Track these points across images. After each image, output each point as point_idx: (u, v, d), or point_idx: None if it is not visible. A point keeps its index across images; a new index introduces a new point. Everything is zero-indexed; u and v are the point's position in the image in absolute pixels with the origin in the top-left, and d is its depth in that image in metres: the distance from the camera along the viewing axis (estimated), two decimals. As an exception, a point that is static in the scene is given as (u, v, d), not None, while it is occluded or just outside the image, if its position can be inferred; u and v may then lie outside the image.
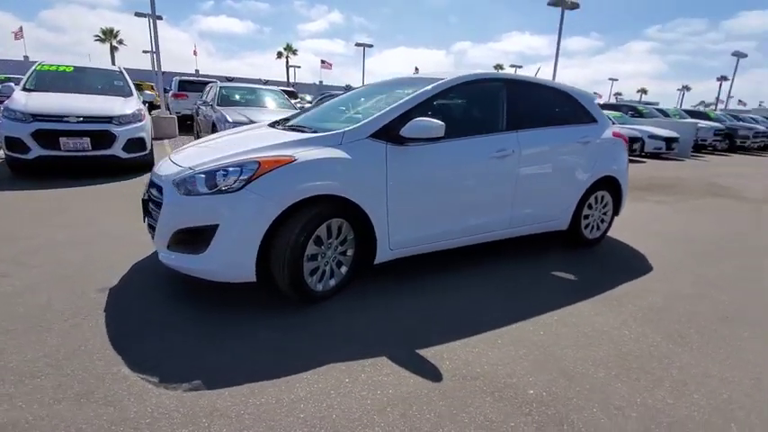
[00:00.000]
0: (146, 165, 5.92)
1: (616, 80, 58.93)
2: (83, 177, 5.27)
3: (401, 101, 2.61)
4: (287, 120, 3.48)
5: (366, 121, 2.49)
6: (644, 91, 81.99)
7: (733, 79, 29.58)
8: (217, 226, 2.12)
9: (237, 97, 7.59)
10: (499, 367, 1.96)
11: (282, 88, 11.80)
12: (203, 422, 1.54)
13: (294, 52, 49.14)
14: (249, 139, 2.73)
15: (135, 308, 2.31)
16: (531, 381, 1.87)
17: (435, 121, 2.40)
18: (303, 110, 3.74)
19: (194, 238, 2.18)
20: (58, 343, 1.95)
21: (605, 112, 4.65)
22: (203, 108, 7.90)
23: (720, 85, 52.82)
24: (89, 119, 5.03)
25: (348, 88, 31.86)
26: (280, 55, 49.29)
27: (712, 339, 2.31)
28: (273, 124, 3.38)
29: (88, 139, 5.02)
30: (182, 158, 2.52)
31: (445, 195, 2.74)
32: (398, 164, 2.50)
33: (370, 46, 31.01)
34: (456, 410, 1.67)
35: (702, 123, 14.82)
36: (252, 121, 6.24)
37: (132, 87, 6.21)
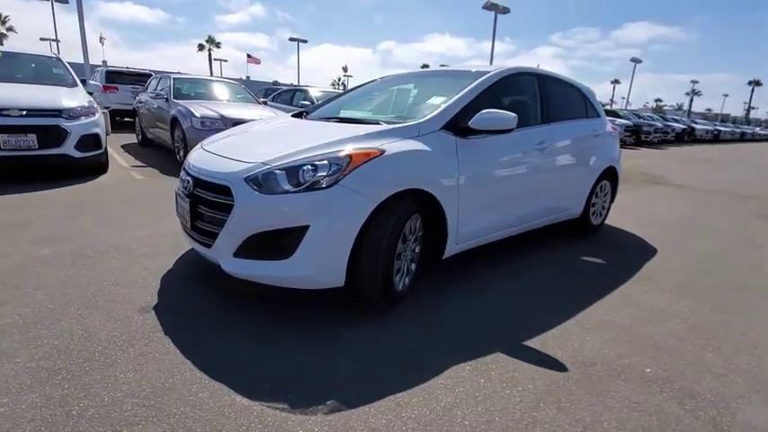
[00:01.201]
0: (99, 165, 5.16)
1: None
2: (22, 182, 4.41)
3: (461, 93, 2.56)
4: (306, 113, 3.26)
5: (437, 112, 2.41)
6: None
7: (632, 82, 33.97)
8: (307, 227, 1.90)
9: (194, 90, 6.90)
10: (605, 351, 2.02)
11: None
12: (370, 445, 1.37)
13: (217, 45, 45.98)
14: (303, 131, 2.50)
15: (200, 327, 1.99)
16: (640, 360, 1.96)
17: (507, 112, 2.40)
18: (321, 102, 3.49)
19: (276, 242, 1.93)
20: (135, 378, 1.61)
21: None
22: (151, 102, 7.07)
23: (614, 87, 60.15)
24: (35, 112, 4.21)
25: (276, 84, 30.60)
26: (201, 47, 45.76)
27: (746, 307, 2.61)
28: (298, 116, 3.14)
29: (34, 135, 4.20)
30: (238, 152, 2.20)
31: (502, 187, 2.75)
32: (466, 156, 2.45)
33: (305, 41, 30.12)
34: (601, 396, 1.68)
35: (617, 121, 16.73)
36: (222, 116, 5.74)
37: (75, 77, 5.33)
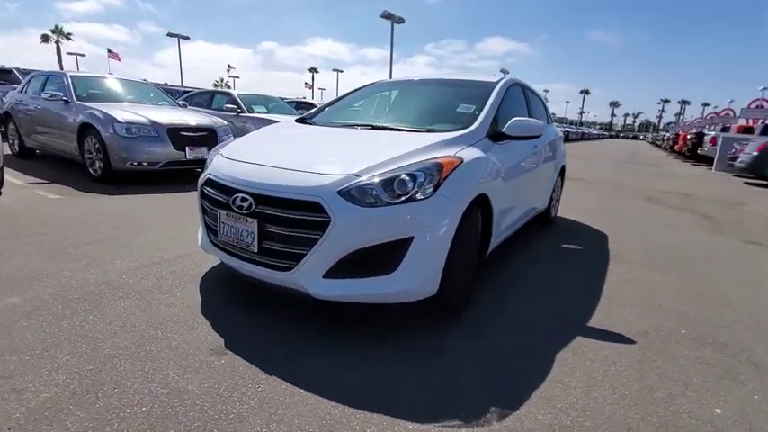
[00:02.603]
0: (-6, 185, 4.04)
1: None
2: None
3: (490, 103, 2.74)
4: (307, 117, 3.10)
5: (481, 120, 2.54)
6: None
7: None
8: (411, 238, 1.85)
9: (98, 90, 5.81)
10: (644, 321, 2.38)
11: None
12: (558, 440, 1.44)
13: (68, 37, 38.23)
14: (349, 139, 2.41)
15: (296, 359, 1.78)
16: (672, 325, 2.37)
17: (536, 120, 2.64)
18: (323, 106, 3.32)
19: (379, 257, 1.84)
20: (283, 430, 1.39)
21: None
22: (37, 104, 5.75)
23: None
24: None
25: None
26: (46, 39, 37.58)
27: (710, 275, 3.26)
28: (301, 121, 2.98)
29: None
30: (304, 163, 2.00)
31: (518, 188, 3.01)
32: (500, 160, 2.63)
33: (186, 38, 27.09)
34: (674, 358, 2.01)
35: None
36: (154, 122, 5.01)
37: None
